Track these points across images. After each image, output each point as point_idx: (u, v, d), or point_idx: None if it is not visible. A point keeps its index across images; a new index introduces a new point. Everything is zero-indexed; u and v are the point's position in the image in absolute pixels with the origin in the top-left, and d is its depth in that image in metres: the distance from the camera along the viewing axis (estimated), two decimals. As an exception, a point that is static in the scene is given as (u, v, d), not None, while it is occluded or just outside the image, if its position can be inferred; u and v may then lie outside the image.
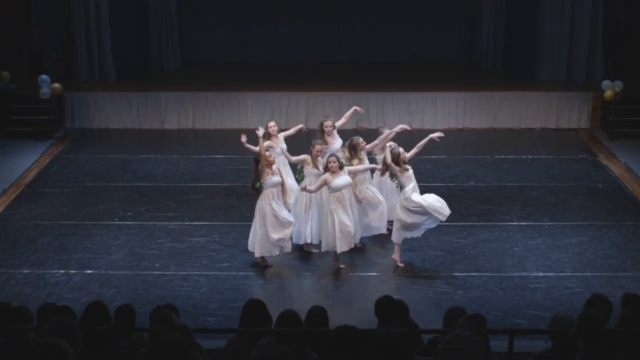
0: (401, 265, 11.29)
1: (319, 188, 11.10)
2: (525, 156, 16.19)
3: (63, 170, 15.36)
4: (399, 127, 12.35)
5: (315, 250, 11.67)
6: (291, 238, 11.29)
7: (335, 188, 11.01)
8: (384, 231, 11.93)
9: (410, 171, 11.03)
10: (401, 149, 11.14)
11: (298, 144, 12.85)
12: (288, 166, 12.28)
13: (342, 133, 12.55)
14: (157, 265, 11.40)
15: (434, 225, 11.29)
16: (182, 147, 16.80)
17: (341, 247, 11.02)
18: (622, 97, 17.36)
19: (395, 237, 11.29)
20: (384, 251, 11.84)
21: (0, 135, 17.05)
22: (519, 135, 17.70)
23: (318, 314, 6.52)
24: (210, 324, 9.69)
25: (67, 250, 11.87)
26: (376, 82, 18.66)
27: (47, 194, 14.09)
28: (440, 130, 12.65)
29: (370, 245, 12.11)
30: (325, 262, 11.52)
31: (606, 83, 17.55)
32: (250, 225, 11.28)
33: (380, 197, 11.86)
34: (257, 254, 11.22)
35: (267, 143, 11.77)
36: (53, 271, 11.22)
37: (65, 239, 12.27)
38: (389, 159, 10.98)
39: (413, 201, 10.97)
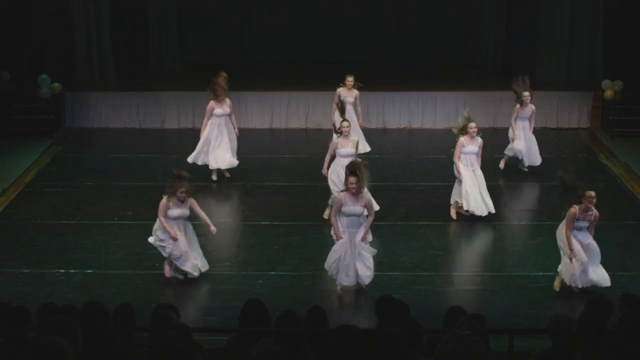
0: None
1: None
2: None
3: (63, 170, 15.35)
4: None
5: None
6: None
7: None
8: None
9: None
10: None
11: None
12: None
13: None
14: (157, 265, 11.38)
15: None
16: (182, 147, 16.75)
17: None
18: (622, 96, 17.36)
19: None
20: (383, 250, 11.83)
21: (1, 135, 17.04)
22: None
23: (318, 314, 6.52)
24: (210, 324, 9.69)
25: (67, 250, 11.86)
26: (376, 82, 18.63)
27: (47, 194, 14.08)
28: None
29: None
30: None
31: (606, 83, 17.53)
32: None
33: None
34: None
35: None
36: (53, 271, 11.21)
37: (65, 238, 12.26)
38: None
39: None
